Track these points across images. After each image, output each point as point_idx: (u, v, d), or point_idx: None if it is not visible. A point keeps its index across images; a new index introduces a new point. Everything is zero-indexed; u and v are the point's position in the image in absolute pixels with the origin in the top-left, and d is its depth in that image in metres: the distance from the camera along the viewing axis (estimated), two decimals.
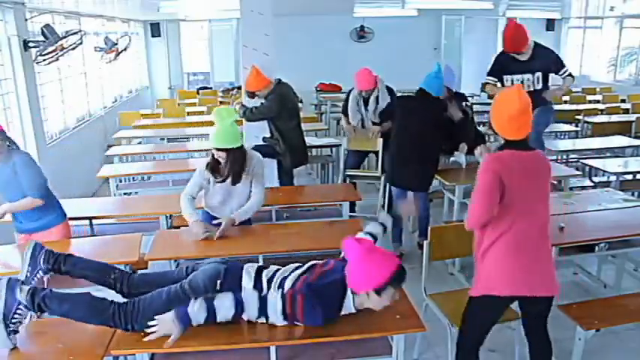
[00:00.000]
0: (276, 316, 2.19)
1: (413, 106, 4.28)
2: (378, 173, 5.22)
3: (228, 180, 3.21)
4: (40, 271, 2.40)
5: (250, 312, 2.21)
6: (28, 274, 2.38)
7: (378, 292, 2.13)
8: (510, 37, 4.41)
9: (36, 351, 2.22)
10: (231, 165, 3.15)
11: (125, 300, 2.30)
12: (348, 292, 2.23)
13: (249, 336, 2.25)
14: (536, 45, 4.43)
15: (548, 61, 4.51)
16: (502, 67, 4.57)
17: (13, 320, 2.19)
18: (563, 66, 4.56)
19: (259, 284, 2.32)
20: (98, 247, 3.24)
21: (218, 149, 3.12)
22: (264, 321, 2.23)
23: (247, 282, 2.32)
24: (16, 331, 2.20)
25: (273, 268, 2.41)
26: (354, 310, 2.25)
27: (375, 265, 2.13)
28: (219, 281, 2.29)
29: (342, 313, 2.25)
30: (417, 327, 2.34)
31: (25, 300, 2.19)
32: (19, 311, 2.19)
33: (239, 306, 2.19)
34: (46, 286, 2.38)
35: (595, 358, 3.02)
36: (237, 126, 3.20)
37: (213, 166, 3.22)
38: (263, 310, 2.20)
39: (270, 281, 2.33)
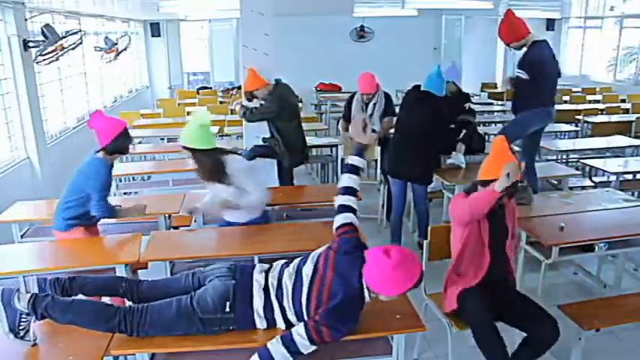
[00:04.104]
0: (307, 349, 2.13)
1: (418, 108, 4.29)
2: (377, 182, 5.23)
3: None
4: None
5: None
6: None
7: (399, 295, 2.14)
8: (505, 27, 4.32)
9: (29, 334, 2.22)
10: (198, 166, 3.26)
11: (130, 307, 2.27)
12: (366, 297, 2.18)
13: (249, 336, 2.25)
14: (534, 45, 4.36)
15: (522, 61, 4.44)
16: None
17: (21, 327, 2.19)
18: (523, 68, 4.47)
19: (269, 304, 2.26)
20: (98, 247, 3.24)
21: (182, 146, 3.23)
22: None
23: (258, 303, 2.26)
24: (27, 331, 2.21)
25: (275, 280, 2.31)
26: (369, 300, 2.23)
27: (402, 278, 2.07)
28: (228, 302, 2.23)
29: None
30: (417, 327, 2.34)
31: (27, 309, 2.18)
32: (23, 319, 2.19)
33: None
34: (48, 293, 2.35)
35: (595, 358, 3.01)
36: (208, 130, 3.23)
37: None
38: (294, 351, 2.12)
39: (280, 301, 2.26)
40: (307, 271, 2.27)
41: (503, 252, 2.73)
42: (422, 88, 4.23)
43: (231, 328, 2.25)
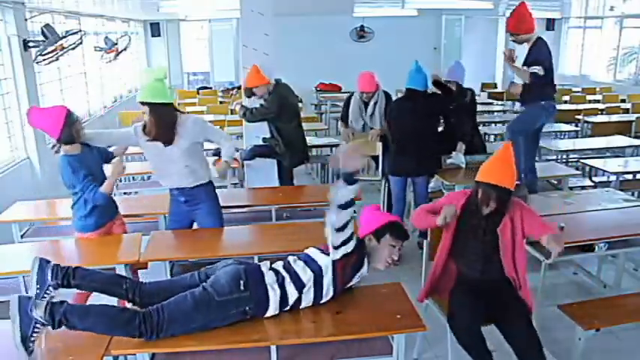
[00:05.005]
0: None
1: (406, 106, 4.38)
2: (379, 177, 5.22)
3: (160, 143, 3.17)
4: (50, 287, 2.29)
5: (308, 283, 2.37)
6: (38, 292, 2.27)
7: (378, 237, 2.45)
8: (513, 16, 4.32)
9: (36, 350, 2.21)
10: (156, 122, 3.13)
11: (147, 309, 2.24)
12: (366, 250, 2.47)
13: (249, 336, 2.25)
14: (538, 43, 4.37)
15: (534, 57, 4.41)
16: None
17: (32, 339, 2.13)
18: (537, 64, 4.42)
19: (280, 277, 2.38)
20: (98, 247, 3.24)
21: (141, 103, 3.15)
22: (311, 299, 2.38)
23: (269, 278, 2.36)
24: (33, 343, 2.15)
25: (280, 263, 2.47)
26: (366, 270, 2.48)
27: (377, 215, 2.54)
28: (242, 281, 2.31)
29: (361, 272, 2.48)
30: (417, 327, 2.34)
31: (44, 318, 2.12)
32: (36, 329, 2.13)
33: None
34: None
35: (595, 358, 3.01)
36: (164, 85, 3.18)
37: (144, 125, 3.21)
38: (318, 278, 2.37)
39: (289, 270, 2.41)
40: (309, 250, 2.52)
41: (493, 255, 2.71)
42: (406, 87, 4.32)
43: (247, 308, 2.29)
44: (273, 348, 2.28)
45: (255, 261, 2.98)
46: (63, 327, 2.16)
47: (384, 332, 2.33)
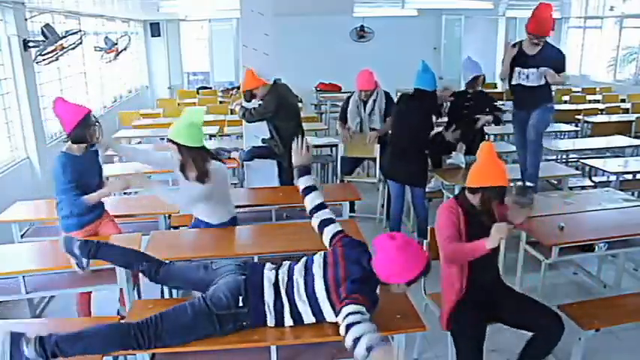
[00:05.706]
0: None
1: (413, 105, 4.35)
2: (376, 180, 5.23)
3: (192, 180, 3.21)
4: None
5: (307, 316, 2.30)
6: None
7: (409, 283, 2.25)
8: (537, 18, 4.32)
9: None
10: (186, 163, 3.17)
11: (142, 320, 2.22)
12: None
13: (249, 336, 2.25)
14: (547, 42, 4.41)
15: (554, 61, 4.42)
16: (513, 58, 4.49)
17: None
18: (564, 69, 4.48)
19: (280, 300, 2.31)
20: None
21: (168, 140, 3.16)
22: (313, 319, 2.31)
23: (269, 296, 2.31)
24: None
25: (285, 276, 2.38)
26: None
27: (409, 261, 2.21)
28: (240, 297, 2.27)
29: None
30: (417, 327, 2.35)
31: (36, 352, 2.08)
32: None
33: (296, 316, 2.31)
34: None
35: (595, 358, 3.02)
36: (198, 129, 3.18)
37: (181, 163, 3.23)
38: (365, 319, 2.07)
39: (290, 296, 2.31)
40: (317, 263, 2.37)
41: (492, 256, 2.66)
42: (414, 87, 4.29)
43: (244, 324, 2.27)
44: (273, 348, 2.28)
45: (255, 261, 2.99)
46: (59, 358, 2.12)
47: (384, 332, 2.32)
